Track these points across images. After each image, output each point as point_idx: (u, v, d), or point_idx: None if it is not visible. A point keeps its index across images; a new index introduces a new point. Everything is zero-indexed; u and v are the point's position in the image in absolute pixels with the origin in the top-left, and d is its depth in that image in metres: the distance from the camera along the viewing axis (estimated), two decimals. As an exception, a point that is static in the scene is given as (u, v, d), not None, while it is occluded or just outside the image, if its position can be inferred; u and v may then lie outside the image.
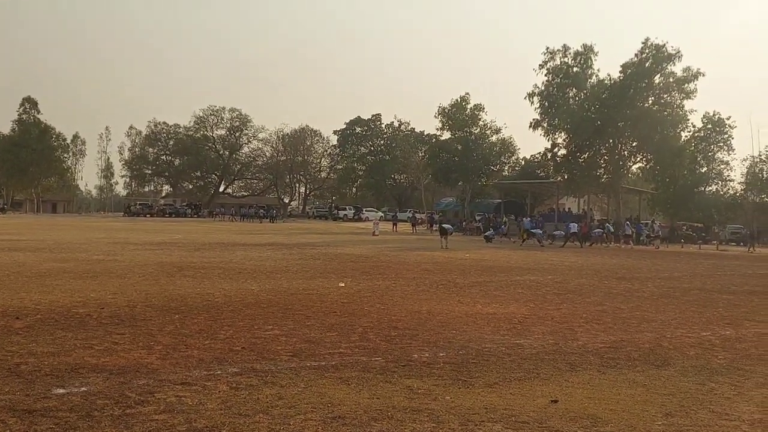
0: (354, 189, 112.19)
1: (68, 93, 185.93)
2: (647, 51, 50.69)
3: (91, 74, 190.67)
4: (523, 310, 11.77)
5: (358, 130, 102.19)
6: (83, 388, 6.05)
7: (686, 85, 50.63)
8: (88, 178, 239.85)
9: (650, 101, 51.59)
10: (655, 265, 25.41)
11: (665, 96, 51.33)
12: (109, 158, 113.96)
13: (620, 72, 51.78)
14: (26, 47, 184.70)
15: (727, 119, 55.06)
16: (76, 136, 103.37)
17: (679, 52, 50.14)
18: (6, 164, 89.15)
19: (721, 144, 55.66)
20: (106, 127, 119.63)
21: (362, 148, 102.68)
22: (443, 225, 36.73)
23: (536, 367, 7.44)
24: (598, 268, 22.90)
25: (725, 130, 55.13)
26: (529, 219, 47.77)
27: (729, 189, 60.19)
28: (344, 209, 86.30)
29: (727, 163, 56.99)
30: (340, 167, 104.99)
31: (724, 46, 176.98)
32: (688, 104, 51.79)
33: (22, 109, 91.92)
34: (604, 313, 11.72)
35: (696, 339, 9.48)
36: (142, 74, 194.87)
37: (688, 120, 53.02)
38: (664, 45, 50.38)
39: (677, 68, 50.72)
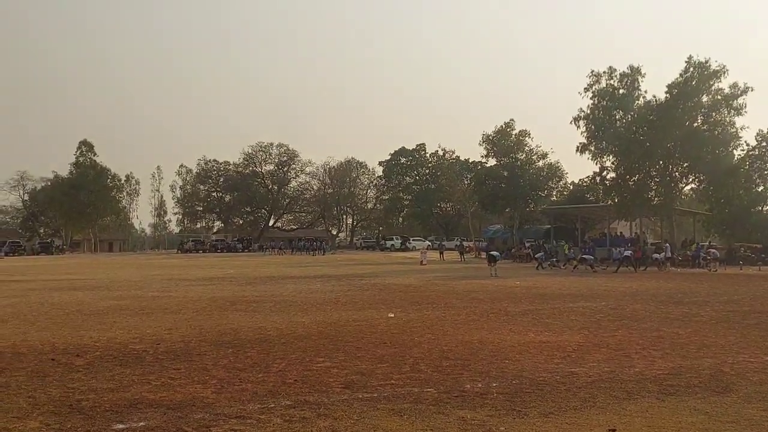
0: (400, 219, 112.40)
1: (121, 134, 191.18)
2: (691, 69, 49.92)
3: (141, 116, 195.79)
4: (577, 338, 11.58)
5: (402, 160, 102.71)
6: (142, 423, 6.15)
7: (734, 101, 49.61)
8: (142, 217, 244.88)
9: (699, 120, 50.63)
10: (713, 288, 24.76)
11: (714, 114, 50.33)
12: (162, 196, 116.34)
13: (666, 92, 51.04)
14: (81, 94, 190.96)
15: (782, 135, 53.67)
16: (129, 176, 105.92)
17: (724, 67, 49.24)
18: (65, 206, 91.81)
19: (778, 162, 54.18)
20: (158, 167, 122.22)
21: (407, 177, 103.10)
22: (491, 252, 36.50)
23: (592, 395, 7.30)
24: (653, 292, 22.42)
25: (781, 148, 53.69)
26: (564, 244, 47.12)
27: (788, 208, 58.46)
28: (391, 239, 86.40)
29: (785, 181, 55.41)
30: (386, 198, 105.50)
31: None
32: (739, 121, 50.68)
33: (79, 152, 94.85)
34: (661, 339, 11.45)
35: (759, 364, 9.19)
36: (191, 115, 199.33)
37: (741, 137, 51.82)
38: (708, 61, 49.58)
39: (724, 84, 49.83)
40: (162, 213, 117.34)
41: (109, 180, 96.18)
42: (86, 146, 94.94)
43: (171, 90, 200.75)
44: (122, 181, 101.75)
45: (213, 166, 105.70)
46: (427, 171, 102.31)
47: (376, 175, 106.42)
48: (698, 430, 5.96)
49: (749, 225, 54.70)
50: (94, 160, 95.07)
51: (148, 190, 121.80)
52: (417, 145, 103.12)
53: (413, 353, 9.94)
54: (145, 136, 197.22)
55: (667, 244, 46.39)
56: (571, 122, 53.80)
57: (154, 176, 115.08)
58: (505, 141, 65.41)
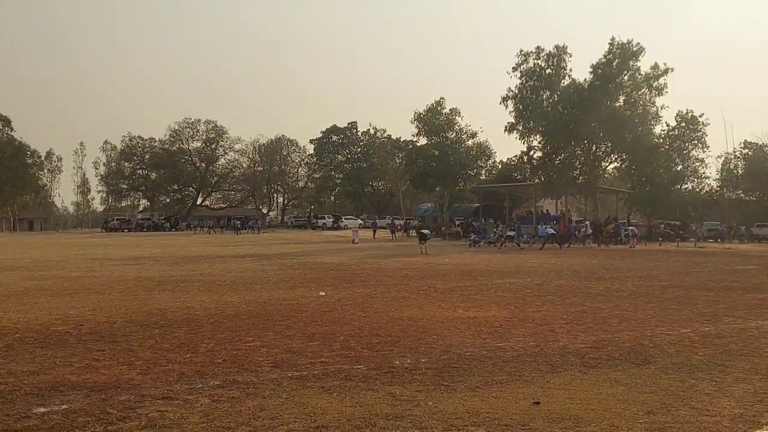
0: (332, 197, 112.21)
1: (41, 109, 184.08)
2: (614, 50, 51.18)
3: (64, 90, 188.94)
4: (504, 313, 11.82)
5: (334, 138, 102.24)
6: (64, 406, 5.99)
7: (655, 81, 51.15)
8: (64, 195, 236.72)
9: (621, 100, 52.02)
10: (633, 264, 25.62)
11: (635, 94, 51.78)
12: (85, 174, 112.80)
13: (591, 72, 52.21)
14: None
15: (700, 116, 55.74)
16: (50, 153, 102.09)
17: (640, 46, 50.71)
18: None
19: (696, 141, 56.28)
20: (81, 143, 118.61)
21: (339, 156, 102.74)
22: (422, 231, 36.85)
23: (518, 369, 7.47)
24: (577, 269, 23.04)
25: (699, 128, 55.75)
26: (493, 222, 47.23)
27: (705, 186, 60.92)
28: (323, 218, 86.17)
29: (702, 161, 57.64)
30: (318, 176, 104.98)
31: (698, 43, 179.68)
32: (660, 101, 52.32)
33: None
34: (584, 314, 11.80)
35: (676, 336, 9.57)
36: (115, 89, 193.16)
37: (661, 117, 53.56)
38: (630, 42, 50.92)
39: (645, 65, 51.36)
40: (85, 191, 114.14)
41: (27, 157, 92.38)
42: (3, 121, 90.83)
43: (95, 63, 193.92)
44: (42, 158, 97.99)
45: (138, 142, 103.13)
46: (359, 149, 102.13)
47: (307, 153, 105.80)
48: (618, 401, 6.17)
49: (669, 203, 56.70)
50: (12, 136, 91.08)
51: (70, 167, 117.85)
52: (348, 123, 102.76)
53: (344, 331, 9.97)
54: (67, 111, 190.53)
55: (587, 222, 47.71)
56: (500, 102, 54.53)
57: (76, 153, 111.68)
58: (435, 119, 65.78)
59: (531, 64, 53.40)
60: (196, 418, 5.63)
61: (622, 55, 50.71)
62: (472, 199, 73.59)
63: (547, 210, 65.05)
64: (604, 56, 51.46)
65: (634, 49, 50.64)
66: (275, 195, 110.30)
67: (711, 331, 10.01)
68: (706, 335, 9.67)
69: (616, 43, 51.12)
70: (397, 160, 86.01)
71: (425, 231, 36.68)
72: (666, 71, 50.95)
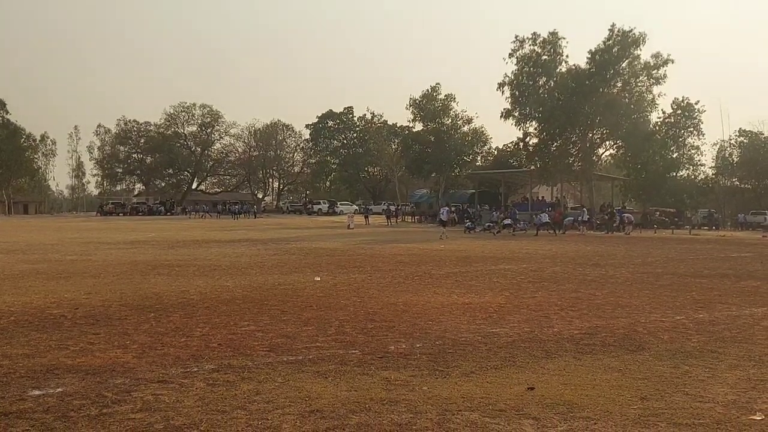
0: (328, 183, 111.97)
1: (35, 92, 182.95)
2: (614, 37, 50.96)
3: (59, 73, 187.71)
4: (499, 299, 11.84)
5: (330, 123, 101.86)
6: (59, 389, 6.00)
7: (655, 71, 51.00)
8: (59, 178, 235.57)
9: (618, 86, 51.84)
10: (628, 251, 25.67)
11: (632, 80, 51.62)
12: (80, 157, 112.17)
13: (588, 59, 52.01)
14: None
15: (696, 104, 55.68)
16: (45, 136, 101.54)
17: (643, 34, 50.47)
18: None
19: (691, 129, 56.19)
20: (75, 126, 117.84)
21: (335, 141, 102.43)
22: (440, 218, 37.37)
23: (512, 355, 7.49)
24: (572, 255, 23.09)
25: (695, 115, 55.64)
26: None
27: (700, 173, 60.96)
28: (318, 203, 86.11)
29: (697, 148, 57.58)
30: (313, 161, 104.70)
31: (696, 28, 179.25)
32: (657, 89, 52.19)
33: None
34: (578, 300, 11.83)
35: (670, 323, 9.60)
36: (110, 72, 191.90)
37: (657, 104, 53.45)
38: (632, 30, 50.69)
39: (646, 54, 51.15)
40: (80, 174, 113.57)
41: (23, 140, 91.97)
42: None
43: (88, 46, 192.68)
44: (37, 141, 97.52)
45: (133, 126, 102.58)
46: (355, 135, 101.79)
47: (303, 138, 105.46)
48: (612, 386, 6.20)
49: (664, 190, 56.73)
50: (7, 119, 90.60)
51: (64, 150, 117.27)
52: (345, 108, 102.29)
53: (339, 316, 9.98)
54: (61, 95, 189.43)
55: (584, 209, 47.77)
56: (497, 88, 54.35)
57: (71, 136, 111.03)
58: (431, 105, 65.58)
59: (527, 50, 53.21)
60: (191, 402, 5.64)
61: (622, 42, 50.47)
62: (467, 185, 73.49)
63: (542, 197, 65.05)
64: (603, 42, 51.26)
65: (636, 36, 50.38)
66: (271, 180, 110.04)
67: (705, 318, 10.05)
68: (700, 322, 9.70)
69: (616, 29, 50.90)
70: (393, 146, 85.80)
71: (444, 209, 37.77)
72: (666, 62, 50.75)
